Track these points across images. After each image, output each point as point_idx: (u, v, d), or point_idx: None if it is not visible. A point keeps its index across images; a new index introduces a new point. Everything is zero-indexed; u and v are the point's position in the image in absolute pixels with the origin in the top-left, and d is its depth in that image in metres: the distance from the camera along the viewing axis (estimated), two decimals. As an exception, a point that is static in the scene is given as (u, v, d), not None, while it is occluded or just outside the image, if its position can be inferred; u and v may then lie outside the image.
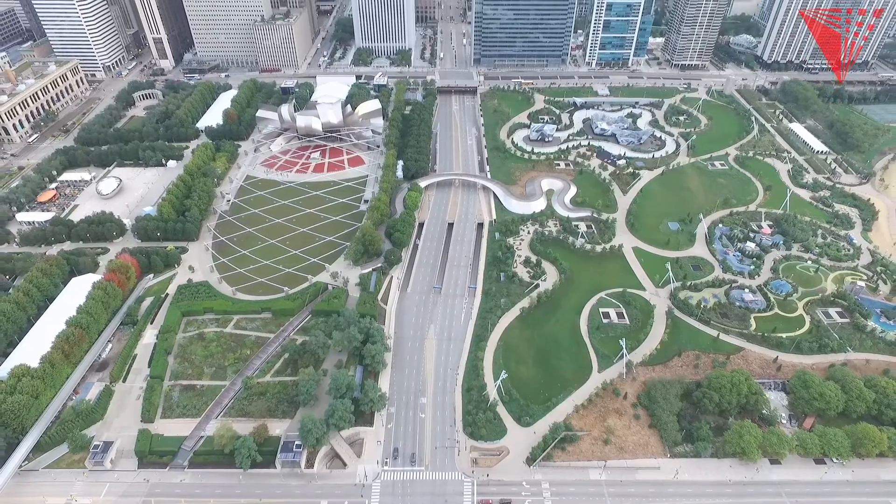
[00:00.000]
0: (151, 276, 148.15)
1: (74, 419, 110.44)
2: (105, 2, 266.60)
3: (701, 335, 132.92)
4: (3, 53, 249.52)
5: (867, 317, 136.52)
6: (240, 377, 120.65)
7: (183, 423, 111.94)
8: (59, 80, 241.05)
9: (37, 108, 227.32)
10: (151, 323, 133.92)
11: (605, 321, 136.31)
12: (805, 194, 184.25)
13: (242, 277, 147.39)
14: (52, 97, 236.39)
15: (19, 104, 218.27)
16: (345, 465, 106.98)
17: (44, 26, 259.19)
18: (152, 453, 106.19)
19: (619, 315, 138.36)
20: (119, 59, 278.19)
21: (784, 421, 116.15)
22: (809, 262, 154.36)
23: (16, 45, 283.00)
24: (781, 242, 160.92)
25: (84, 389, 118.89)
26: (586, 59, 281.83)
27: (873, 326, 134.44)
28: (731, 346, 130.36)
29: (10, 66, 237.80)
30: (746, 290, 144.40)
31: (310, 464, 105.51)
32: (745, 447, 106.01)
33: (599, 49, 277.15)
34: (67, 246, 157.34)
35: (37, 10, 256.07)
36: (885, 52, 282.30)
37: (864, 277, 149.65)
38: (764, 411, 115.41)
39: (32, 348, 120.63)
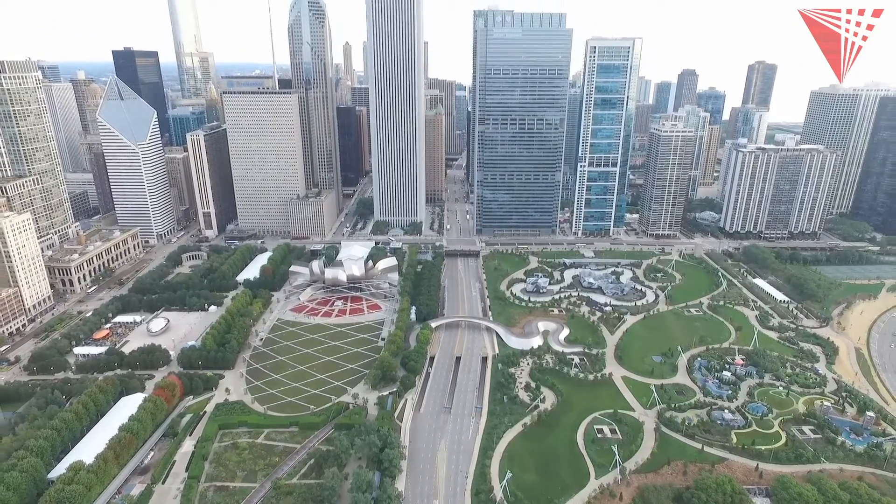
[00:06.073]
0: (191, 396, 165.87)
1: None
2: (168, 185, 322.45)
3: (687, 447, 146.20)
4: (77, 223, 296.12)
5: (837, 433, 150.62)
6: (269, 480, 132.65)
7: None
8: (120, 243, 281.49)
9: (98, 266, 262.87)
10: (190, 434, 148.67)
11: (599, 436, 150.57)
12: (773, 335, 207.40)
13: (273, 398, 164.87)
14: (112, 257, 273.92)
15: (86, 261, 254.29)
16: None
17: (115, 203, 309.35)
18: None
19: (612, 431, 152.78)
20: (171, 229, 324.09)
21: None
22: (781, 388, 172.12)
23: (85, 218, 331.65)
24: (755, 372, 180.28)
25: (126, 490, 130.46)
26: (573, 230, 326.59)
27: (843, 440, 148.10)
28: (716, 456, 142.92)
29: (83, 233, 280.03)
30: (726, 411, 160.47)
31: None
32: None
33: (584, 221, 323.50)
34: (118, 373, 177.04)
35: (113, 192, 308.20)
36: (828, 225, 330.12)
37: (832, 401, 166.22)
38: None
39: (86, 451, 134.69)
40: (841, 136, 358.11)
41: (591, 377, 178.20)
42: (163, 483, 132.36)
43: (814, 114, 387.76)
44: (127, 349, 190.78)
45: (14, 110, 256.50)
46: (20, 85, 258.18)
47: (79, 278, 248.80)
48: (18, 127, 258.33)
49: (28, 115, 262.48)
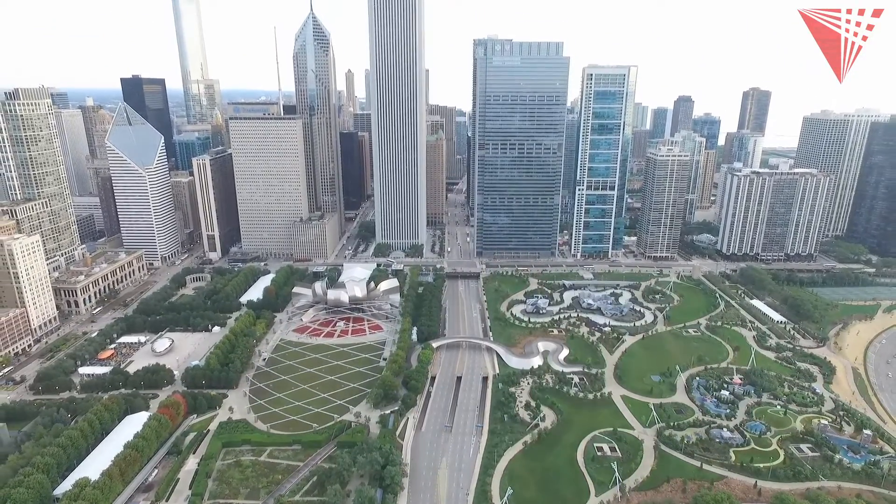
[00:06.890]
0: (195, 415, 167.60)
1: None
2: (173, 208, 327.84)
3: (686, 465, 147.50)
4: (83, 246, 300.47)
5: (835, 451, 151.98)
6: (272, 497, 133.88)
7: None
8: (125, 265, 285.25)
9: (104, 287, 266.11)
10: (194, 453, 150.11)
11: (598, 454, 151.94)
12: (770, 355, 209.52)
13: (276, 416, 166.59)
14: (117, 279, 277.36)
15: (91, 283, 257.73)
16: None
17: (122, 226, 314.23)
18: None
19: (612, 449, 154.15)
20: (175, 252, 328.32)
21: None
22: (779, 407, 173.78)
23: (90, 241, 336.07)
24: (753, 391, 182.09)
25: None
26: (572, 252, 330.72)
27: (841, 458, 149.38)
28: (715, 474, 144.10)
29: (89, 255, 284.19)
30: (725, 429, 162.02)
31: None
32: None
33: (582, 244, 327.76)
34: (123, 392, 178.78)
35: (120, 216, 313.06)
36: (824, 247, 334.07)
37: (829, 419, 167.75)
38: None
39: (91, 468, 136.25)
40: (834, 160, 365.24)
41: (590, 396, 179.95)
42: (167, 500, 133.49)
43: (807, 139, 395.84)
44: (131, 369, 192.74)
45: (26, 135, 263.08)
46: (32, 111, 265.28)
47: (84, 299, 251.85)
48: (30, 151, 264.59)
49: (39, 140, 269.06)
